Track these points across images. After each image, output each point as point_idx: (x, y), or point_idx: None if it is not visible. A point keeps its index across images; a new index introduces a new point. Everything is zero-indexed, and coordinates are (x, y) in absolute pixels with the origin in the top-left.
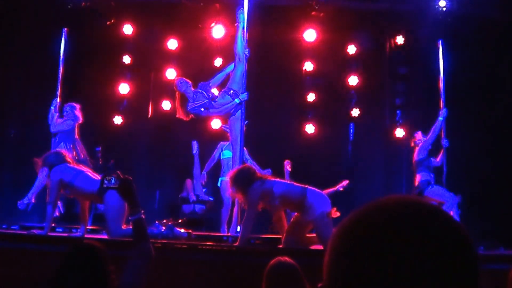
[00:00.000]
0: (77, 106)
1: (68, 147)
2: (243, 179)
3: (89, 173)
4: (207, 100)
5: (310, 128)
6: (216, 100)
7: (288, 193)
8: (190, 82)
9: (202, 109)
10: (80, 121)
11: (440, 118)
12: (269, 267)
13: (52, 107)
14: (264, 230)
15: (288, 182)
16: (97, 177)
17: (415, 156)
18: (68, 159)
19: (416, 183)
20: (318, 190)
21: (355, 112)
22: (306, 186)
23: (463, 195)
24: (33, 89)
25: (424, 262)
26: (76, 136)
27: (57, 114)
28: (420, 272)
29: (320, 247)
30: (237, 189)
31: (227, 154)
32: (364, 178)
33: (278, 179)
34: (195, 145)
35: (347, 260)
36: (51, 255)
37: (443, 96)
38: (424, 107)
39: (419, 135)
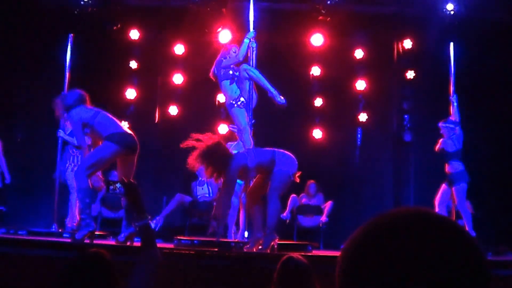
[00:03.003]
0: None
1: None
2: (218, 157)
3: (109, 114)
4: (234, 72)
5: (317, 133)
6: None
7: (261, 162)
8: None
9: (223, 72)
10: None
11: (455, 103)
12: (280, 263)
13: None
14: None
15: (256, 149)
16: (118, 122)
17: (456, 145)
18: (87, 101)
19: (452, 171)
20: (286, 152)
21: (363, 117)
22: (274, 149)
23: (471, 200)
24: (40, 94)
25: (435, 274)
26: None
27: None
28: (431, 284)
29: (332, 252)
30: (209, 165)
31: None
32: (372, 183)
33: (247, 149)
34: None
35: (359, 271)
36: (58, 261)
37: (452, 99)
38: (432, 111)
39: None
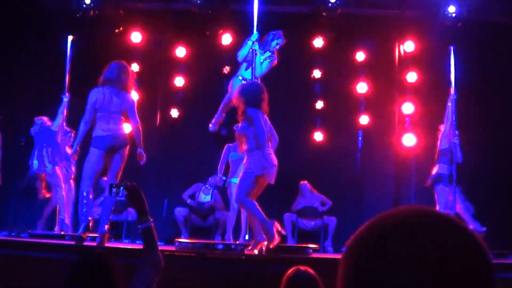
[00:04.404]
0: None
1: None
2: (253, 97)
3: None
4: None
5: (318, 136)
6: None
7: (255, 138)
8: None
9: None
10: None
11: (449, 104)
12: (287, 276)
13: (64, 99)
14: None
15: (269, 128)
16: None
17: (438, 146)
18: (114, 84)
19: (433, 173)
20: (267, 154)
21: (364, 120)
22: (268, 148)
23: (473, 202)
24: (42, 97)
25: (439, 274)
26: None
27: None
28: (434, 285)
29: (332, 255)
30: (241, 100)
31: (234, 156)
32: (373, 186)
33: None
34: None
35: (360, 272)
36: (60, 264)
37: (454, 102)
38: (434, 114)
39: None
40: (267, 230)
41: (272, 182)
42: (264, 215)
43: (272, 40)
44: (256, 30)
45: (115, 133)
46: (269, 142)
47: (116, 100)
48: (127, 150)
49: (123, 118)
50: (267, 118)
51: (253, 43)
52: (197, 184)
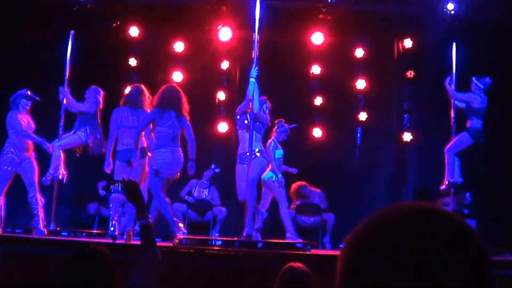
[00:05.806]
0: (101, 91)
1: (88, 131)
2: (169, 100)
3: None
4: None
5: (317, 132)
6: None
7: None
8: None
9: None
10: (101, 106)
11: (449, 86)
12: (281, 273)
13: (60, 95)
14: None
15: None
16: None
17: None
18: (132, 104)
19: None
20: (167, 155)
21: (363, 116)
22: (178, 149)
23: (470, 201)
24: (39, 91)
25: (437, 270)
26: (99, 121)
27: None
28: (432, 281)
29: (330, 252)
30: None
31: (278, 154)
32: (371, 183)
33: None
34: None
35: (360, 268)
36: (57, 259)
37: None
38: (432, 111)
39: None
40: (173, 228)
41: (172, 178)
42: (171, 215)
43: (261, 105)
44: (256, 66)
45: (131, 147)
46: (177, 143)
47: (133, 118)
48: (145, 161)
49: (142, 133)
50: (186, 120)
51: (255, 79)
52: (192, 180)
